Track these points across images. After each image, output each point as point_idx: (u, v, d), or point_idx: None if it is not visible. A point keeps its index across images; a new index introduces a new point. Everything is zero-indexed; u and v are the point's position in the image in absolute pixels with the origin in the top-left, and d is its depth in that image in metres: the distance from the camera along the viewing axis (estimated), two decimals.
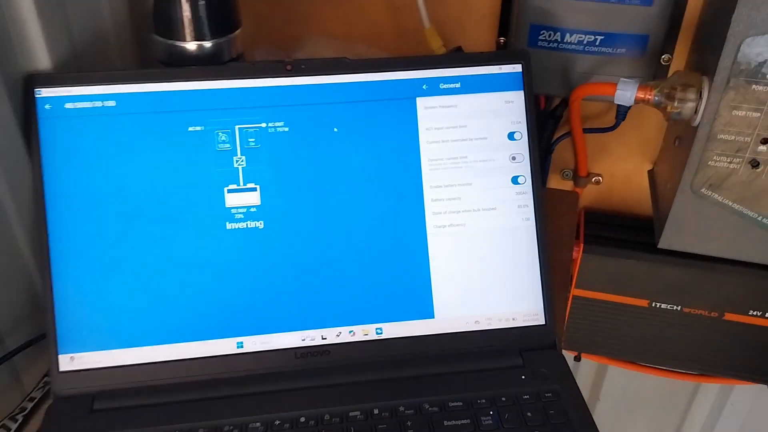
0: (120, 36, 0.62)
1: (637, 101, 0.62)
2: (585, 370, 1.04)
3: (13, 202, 0.52)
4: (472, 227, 0.57)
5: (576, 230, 0.81)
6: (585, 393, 1.05)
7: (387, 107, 0.56)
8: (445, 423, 0.51)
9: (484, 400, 0.53)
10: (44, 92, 0.53)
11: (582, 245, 0.79)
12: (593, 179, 0.83)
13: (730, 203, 0.63)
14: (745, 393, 0.99)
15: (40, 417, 0.53)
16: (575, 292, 0.82)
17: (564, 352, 0.89)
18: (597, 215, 0.85)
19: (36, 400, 0.55)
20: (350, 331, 0.56)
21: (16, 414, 0.53)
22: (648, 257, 0.78)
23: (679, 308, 0.79)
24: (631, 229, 0.82)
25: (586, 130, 0.77)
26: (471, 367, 0.56)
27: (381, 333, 0.56)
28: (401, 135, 0.56)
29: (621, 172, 0.83)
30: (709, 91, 0.58)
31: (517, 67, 0.58)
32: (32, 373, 0.57)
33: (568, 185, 0.85)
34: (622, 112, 0.73)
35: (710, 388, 1.01)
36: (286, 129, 0.55)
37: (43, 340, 0.54)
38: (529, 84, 0.58)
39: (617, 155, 0.82)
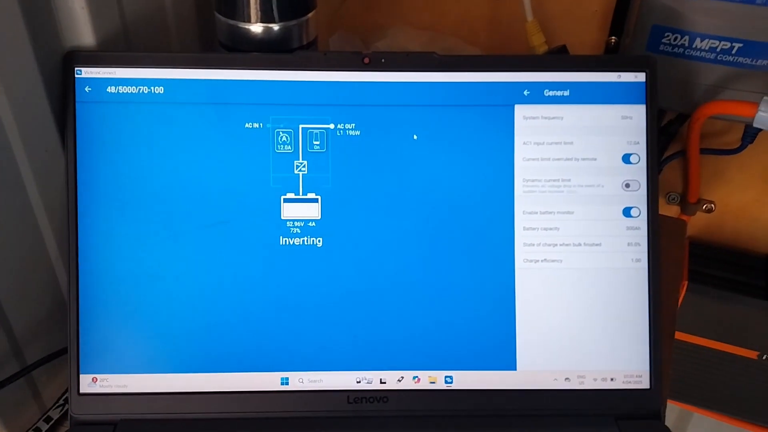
0: (178, 12, 0.54)
1: None
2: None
3: (42, 198, 0.45)
4: (569, 265, 0.47)
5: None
6: None
7: (479, 114, 0.47)
8: None
9: None
10: (85, 72, 0.46)
11: (686, 282, 0.69)
12: (703, 206, 0.73)
13: None
14: None
15: None
16: None
17: None
18: (704, 248, 0.74)
19: (53, 421, 0.48)
20: (414, 377, 0.47)
21: None
22: (761, 303, 0.68)
23: None
24: (744, 268, 0.72)
25: (703, 151, 0.66)
26: None
27: (451, 382, 0.47)
28: (493, 149, 0.47)
29: (737, 201, 0.72)
30: None
31: (640, 76, 0.48)
32: (53, 387, 0.50)
33: (673, 211, 0.74)
34: (750, 134, 0.62)
35: None
36: (357, 133, 0.47)
37: (64, 355, 0.47)
38: (653, 97, 0.48)
39: (735, 182, 0.71)
